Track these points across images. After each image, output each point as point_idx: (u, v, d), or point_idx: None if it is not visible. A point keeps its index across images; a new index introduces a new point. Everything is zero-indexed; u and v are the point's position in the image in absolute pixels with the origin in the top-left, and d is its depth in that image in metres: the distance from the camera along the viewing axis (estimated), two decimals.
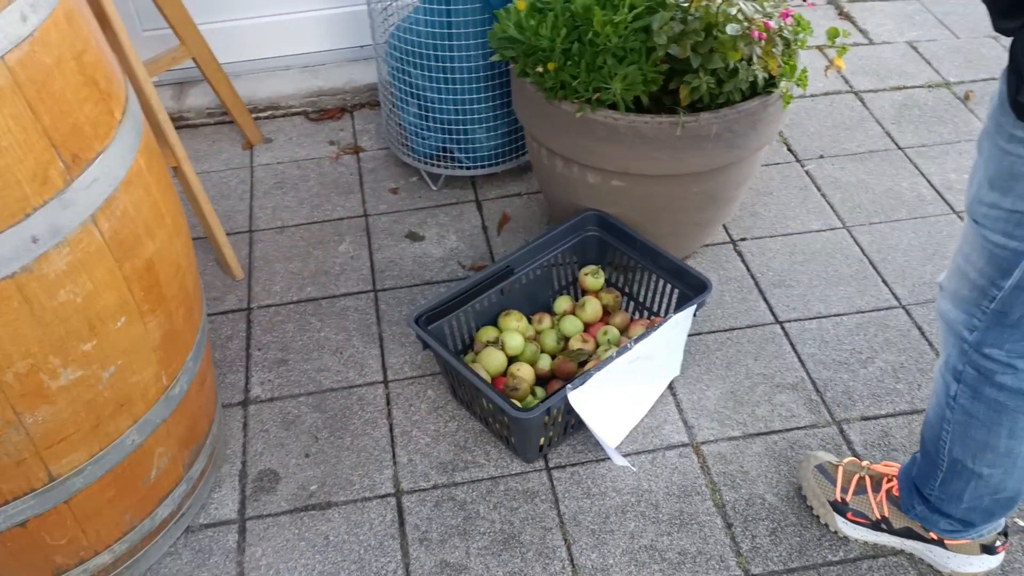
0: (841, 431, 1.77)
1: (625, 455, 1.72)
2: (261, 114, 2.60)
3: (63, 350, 1.19)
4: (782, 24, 1.74)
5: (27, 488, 1.27)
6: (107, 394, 1.29)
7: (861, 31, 2.94)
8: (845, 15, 3.03)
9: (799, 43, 1.78)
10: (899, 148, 2.47)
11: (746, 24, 1.66)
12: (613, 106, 1.74)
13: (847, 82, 2.71)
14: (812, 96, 2.65)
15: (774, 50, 1.72)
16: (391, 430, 1.79)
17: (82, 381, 1.24)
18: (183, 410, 1.48)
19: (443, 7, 2.00)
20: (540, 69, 1.76)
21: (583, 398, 1.59)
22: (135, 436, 1.37)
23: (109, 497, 1.40)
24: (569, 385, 1.58)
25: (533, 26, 1.74)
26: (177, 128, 2.33)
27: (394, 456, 1.74)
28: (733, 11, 1.66)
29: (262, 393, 1.87)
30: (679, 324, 1.70)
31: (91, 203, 1.18)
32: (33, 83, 1.08)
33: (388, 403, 1.84)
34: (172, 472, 1.52)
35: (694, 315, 1.75)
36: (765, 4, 1.75)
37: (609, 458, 1.72)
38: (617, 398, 1.67)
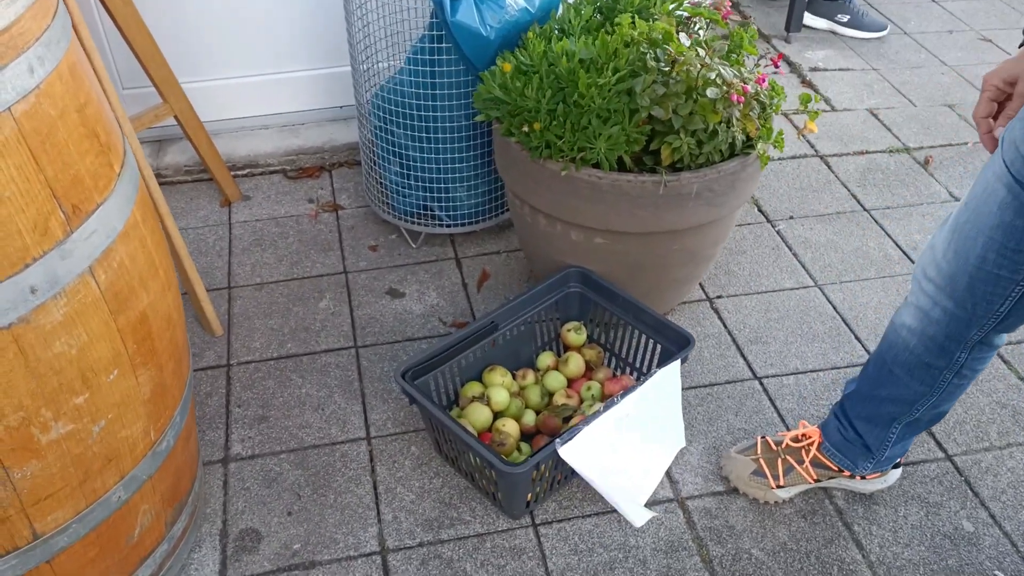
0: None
1: (611, 511, 1.72)
2: (240, 172, 2.61)
3: (55, 403, 1.17)
4: (759, 89, 1.80)
5: (10, 547, 1.23)
6: (96, 449, 1.26)
7: (823, 98, 3.05)
8: (808, 83, 3.14)
9: (774, 107, 1.84)
10: (865, 210, 2.55)
11: (725, 88, 1.72)
12: (596, 165, 1.79)
13: (812, 146, 2.80)
14: (780, 160, 2.74)
15: (751, 113, 1.78)
16: (375, 487, 1.77)
17: (72, 435, 1.22)
18: (168, 466, 1.46)
19: (428, 68, 2.05)
20: (525, 129, 1.80)
21: (574, 453, 1.59)
22: (121, 492, 1.35)
23: (91, 556, 1.36)
24: (558, 440, 1.59)
25: (519, 87, 1.79)
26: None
27: (379, 513, 1.72)
28: (713, 75, 1.72)
29: (243, 450, 1.84)
30: (665, 378, 1.72)
31: (89, 254, 1.18)
32: (38, 134, 1.09)
33: (371, 460, 1.83)
34: (155, 531, 1.49)
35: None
36: (742, 69, 1.82)
37: (598, 513, 1.71)
38: (618, 457, 1.66)
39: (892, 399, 1.54)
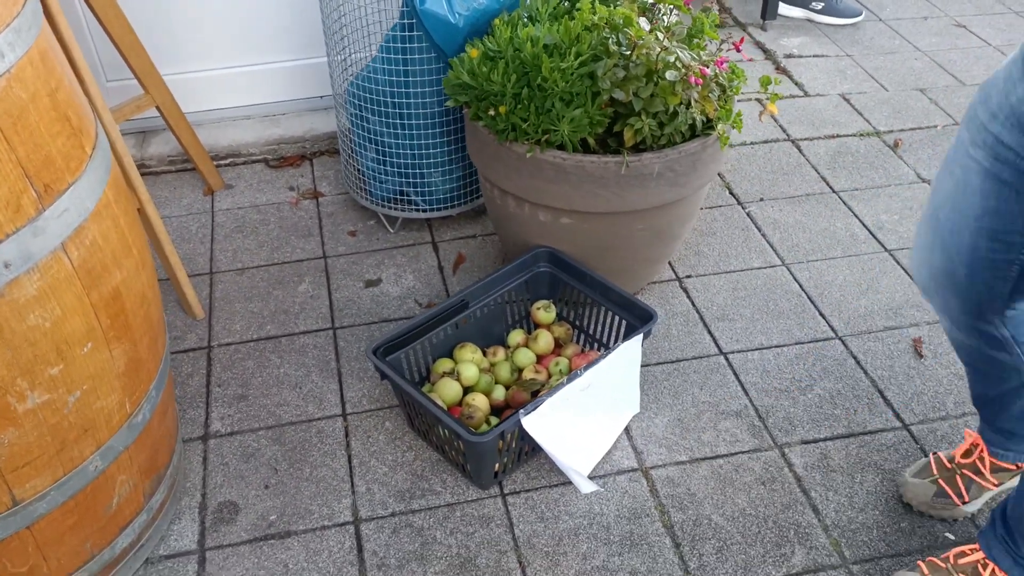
0: (783, 454, 1.85)
1: None
2: (222, 161, 2.66)
3: (31, 373, 1.23)
4: (717, 71, 1.86)
5: None
6: (72, 419, 1.32)
7: (797, 84, 3.11)
8: (782, 69, 3.20)
9: (734, 89, 1.90)
10: (834, 192, 2.61)
11: (684, 71, 1.78)
12: (561, 147, 1.84)
13: (784, 131, 2.86)
14: (752, 144, 2.80)
15: (711, 95, 1.84)
16: (350, 461, 1.83)
17: (48, 405, 1.28)
18: (145, 438, 1.52)
19: (400, 56, 2.10)
20: (492, 112, 1.86)
21: (537, 423, 1.65)
22: (98, 462, 1.41)
23: (71, 524, 1.42)
24: (522, 411, 1.65)
25: (485, 72, 1.85)
26: (140, 175, 2.38)
27: (353, 486, 1.79)
28: (672, 59, 1.78)
29: (222, 428, 1.90)
30: (627, 351, 1.78)
31: (61, 232, 1.23)
32: (9, 116, 1.14)
33: (347, 435, 1.89)
34: (133, 501, 1.55)
35: (642, 344, 1.83)
36: (701, 53, 1.87)
37: (564, 483, 1.78)
38: (576, 427, 1.73)
39: (998, 390, 1.55)
